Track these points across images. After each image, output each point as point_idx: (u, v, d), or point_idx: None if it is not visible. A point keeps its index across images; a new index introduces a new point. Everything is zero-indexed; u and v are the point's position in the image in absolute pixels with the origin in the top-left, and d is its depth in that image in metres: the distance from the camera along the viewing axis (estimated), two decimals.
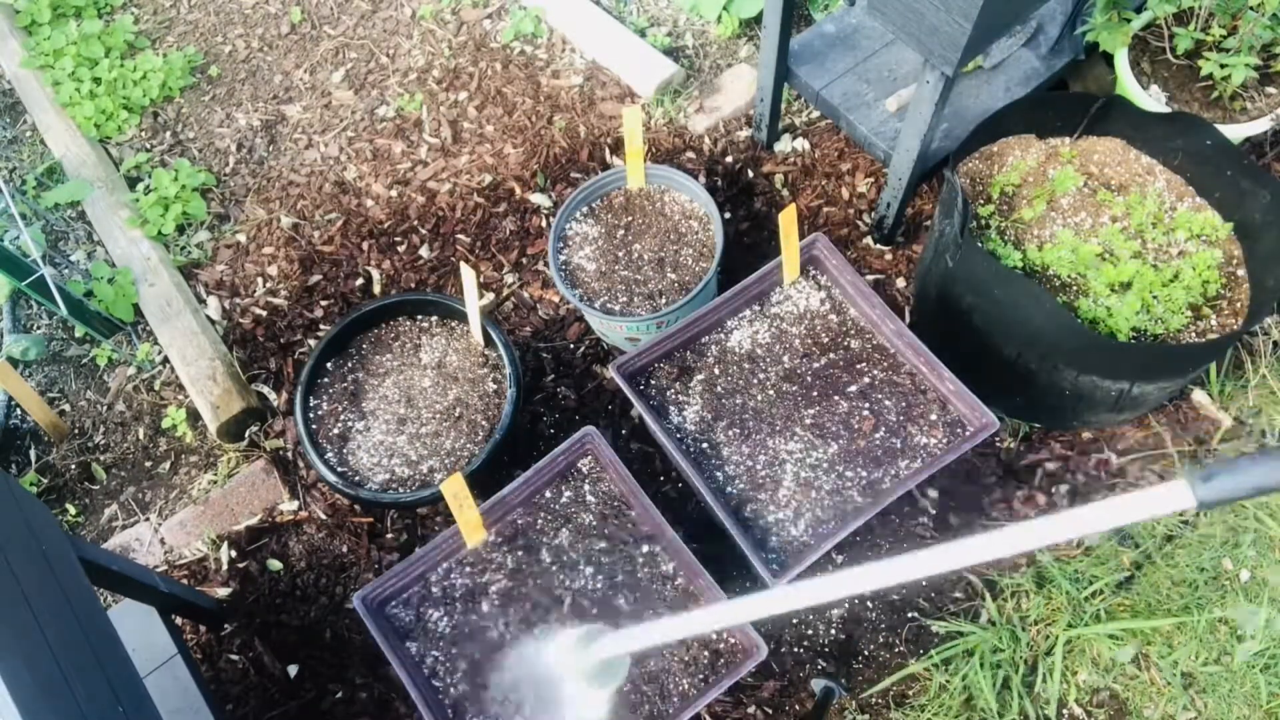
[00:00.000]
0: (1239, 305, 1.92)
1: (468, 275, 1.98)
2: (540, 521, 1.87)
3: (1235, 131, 2.18)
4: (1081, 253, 1.94)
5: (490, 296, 2.48)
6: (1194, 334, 1.90)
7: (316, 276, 2.56)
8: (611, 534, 1.84)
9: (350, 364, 2.15)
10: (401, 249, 2.58)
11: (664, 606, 1.76)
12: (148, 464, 2.38)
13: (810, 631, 2.05)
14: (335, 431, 2.07)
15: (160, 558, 2.23)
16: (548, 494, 1.89)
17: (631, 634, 1.39)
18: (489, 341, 2.12)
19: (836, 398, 1.91)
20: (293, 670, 2.08)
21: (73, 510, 2.33)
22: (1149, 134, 2.06)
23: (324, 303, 2.52)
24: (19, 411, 2.45)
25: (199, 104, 2.93)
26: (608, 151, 2.66)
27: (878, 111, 2.37)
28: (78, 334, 2.55)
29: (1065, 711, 1.94)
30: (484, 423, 2.04)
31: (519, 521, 1.87)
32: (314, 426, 2.07)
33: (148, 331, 2.51)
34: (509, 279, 2.50)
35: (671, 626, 1.33)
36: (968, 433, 1.84)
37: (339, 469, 2.02)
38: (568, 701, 1.57)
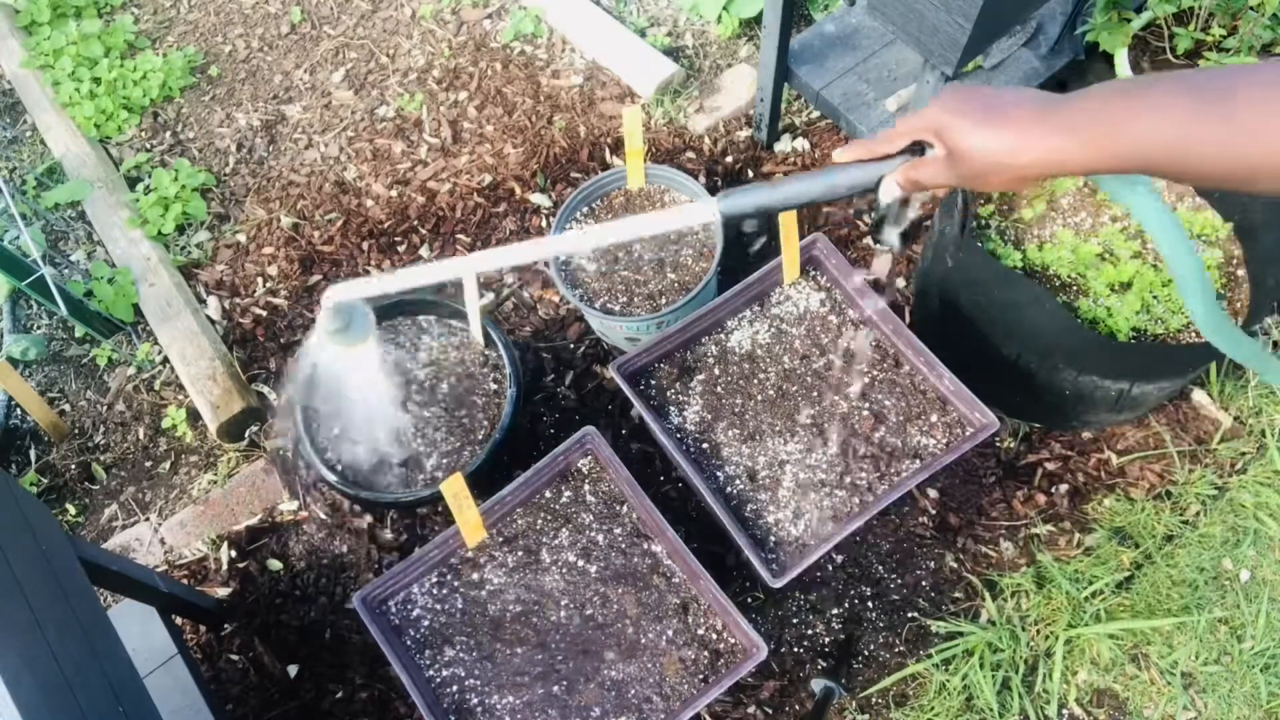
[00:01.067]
0: (1239, 305, 1.92)
1: (469, 275, 1.98)
2: (540, 522, 1.87)
3: None
4: (1081, 253, 1.94)
5: (490, 296, 2.48)
6: (1194, 334, 1.90)
7: (316, 276, 2.56)
8: (611, 534, 1.84)
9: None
10: (401, 249, 2.58)
11: (663, 607, 1.76)
12: (148, 464, 2.38)
13: (810, 631, 2.05)
14: (335, 431, 2.07)
15: (160, 558, 2.23)
16: (547, 494, 1.90)
17: (361, 283, 1.35)
18: (489, 341, 2.12)
19: (836, 398, 1.91)
20: (293, 670, 2.08)
21: (73, 510, 2.33)
22: None
23: None
24: (19, 411, 2.45)
25: (199, 104, 2.93)
26: (608, 151, 2.66)
27: (878, 111, 2.37)
28: (78, 334, 2.55)
29: (1065, 711, 1.94)
30: (484, 423, 2.04)
31: (519, 521, 1.87)
32: (314, 426, 2.07)
33: (148, 331, 2.51)
34: (509, 279, 2.50)
35: (394, 279, 1.30)
36: (968, 433, 1.84)
37: (339, 469, 2.02)
38: (348, 376, 1.58)
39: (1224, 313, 1.05)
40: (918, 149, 1.02)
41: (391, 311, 2.18)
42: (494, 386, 2.09)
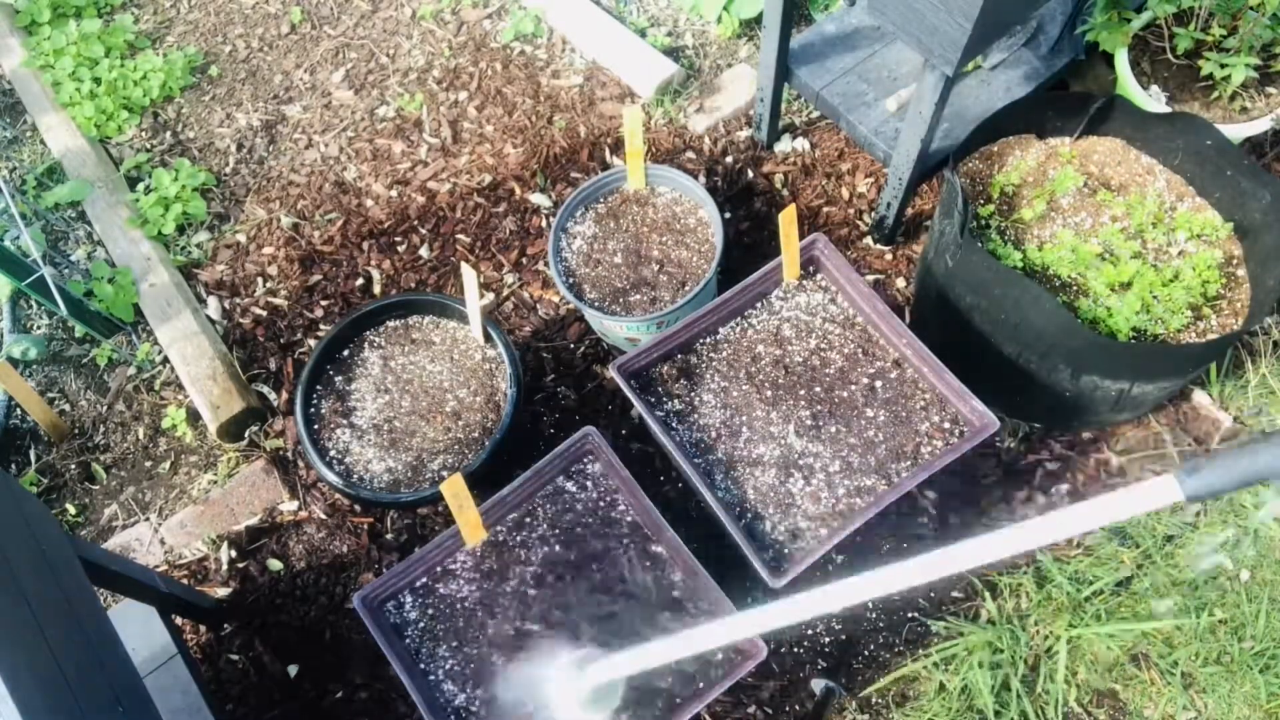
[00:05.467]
0: (1239, 305, 1.92)
1: (469, 275, 1.98)
2: (540, 521, 1.87)
3: (1235, 131, 2.18)
4: (1081, 253, 1.94)
5: (490, 296, 2.48)
6: (1194, 334, 1.90)
7: (316, 276, 2.56)
8: (611, 534, 1.84)
9: (350, 364, 2.15)
10: (401, 249, 2.58)
11: (663, 608, 1.76)
12: (148, 464, 2.38)
13: (810, 631, 2.05)
14: (335, 431, 2.07)
15: (160, 558, 2.23)
16: (548, 494, 1.90)
17: (625, 658, 1.36)
18: (489, 341, 2.12)
19: (836, 398, 1.91)
20: (293, 670, 2.08)
21: (73, 510, 2.33)
22: (1149, 134, 2.06)
23: (324, 303, 2.52)
24: (19, 411, 2.45)
25: (199, 104, 2.93)
26: (608, 151, 2.66)
27: (878, 111, 2.37)
28: (78, 334, 2.55)
29: (1065, 711, 1.94)
30: (484, 423, 2.04)
31: (519, 521, 1.87)
32: (314, 426, 2.07)
33: (148, 331, 2.51)
34: (509, 279, 2.50)
35: (666, 648, 1.31)
36: (968, 433, 1.84)
37: (339, 469, 2.02)
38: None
39: None
40: None
41: (392, 311, 2.18)
42: (494, 386, 2.09)
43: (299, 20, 3.06)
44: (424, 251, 2.56)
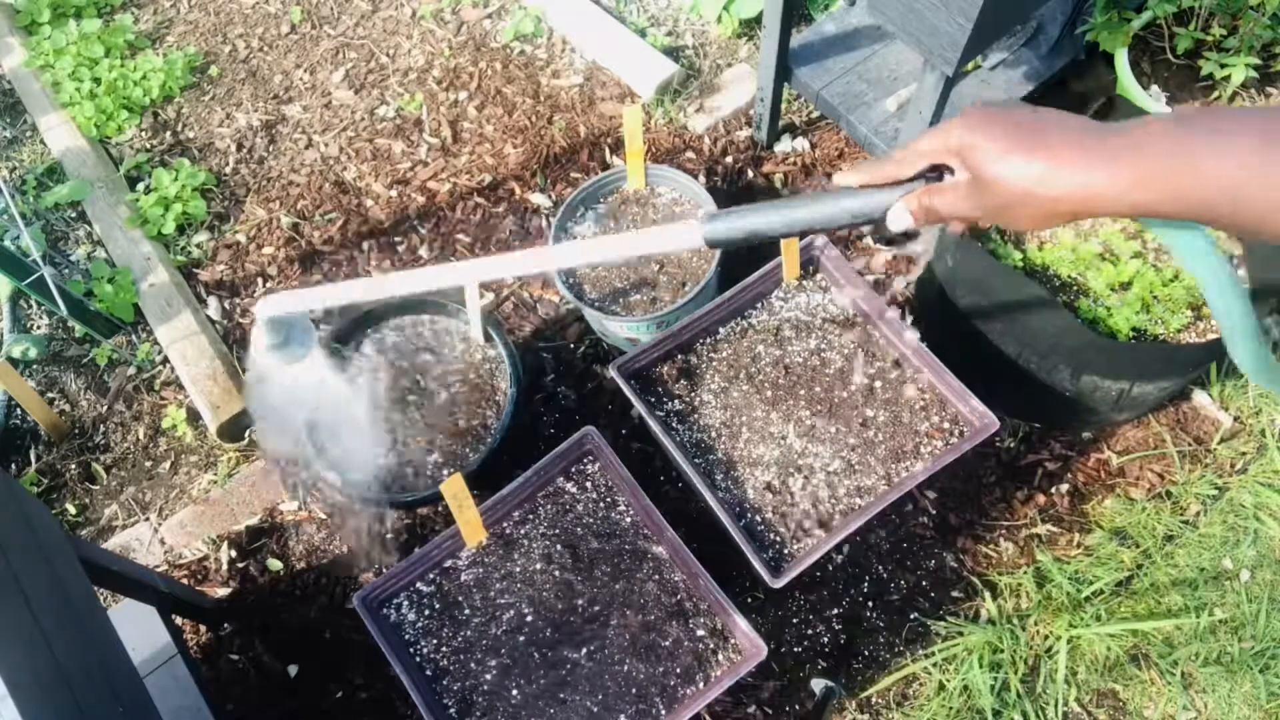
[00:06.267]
0: None
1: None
2: (540, 522, 1.87)
3: None
4: (1081, 253, 1.94)
5: (490, 296, 2.48)
6: (1194, 334, 1.90)
7: (316, 276, 2.56)
8: (611, 534, 1.84)
9: (350, 364, 2.15)
10: (401, 249, 2.58)
11: (664, 607, 1.76)
12: (148, 464, 2.38)
13: (810, 631, 2.05)
14: (335, 431, 2.07)
15: (160, 558, 2.23)
16: (548, 494, 1.90)
17: (294, 294, 1.28)
18: (489, 341, 2.12)
19: (836, 398, 1.91)
20: (293, 670, 2.08)
21: (73, 510, 2.33)
22: None
23: None
24: (19, 411, 2.45)
25: (199, 104, 2.93)
26: (608, 151, 2.66)
27: (878, 111, 2.37)
28: (78, 334, 2.55)
29: (1065, 711, 1.94)
30: (484, 422, 2.05)
31: (519, 521, 1.87)
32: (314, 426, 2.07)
33: (148, 331, 2.51)
34: (509, 279, 2.50)
35: (343, 291, 1.22)
36: (968, 433, 1.84)
37: (339, 468, 2.02)
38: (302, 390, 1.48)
39: (1272, 358, 0.97)
40: (935, 174, 0.89)
41: (392, 311, 2.18)
42: (494, 386, 2.09)
43: (299, 20, 3.06)
44: (424, 251, 2.56)
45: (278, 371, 1.42)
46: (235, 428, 2.33)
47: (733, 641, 1.74)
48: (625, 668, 1.71)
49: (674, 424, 1.91)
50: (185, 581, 2.19)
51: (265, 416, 1.63)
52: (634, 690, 1.70)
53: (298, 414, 1.66)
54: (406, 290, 1.19)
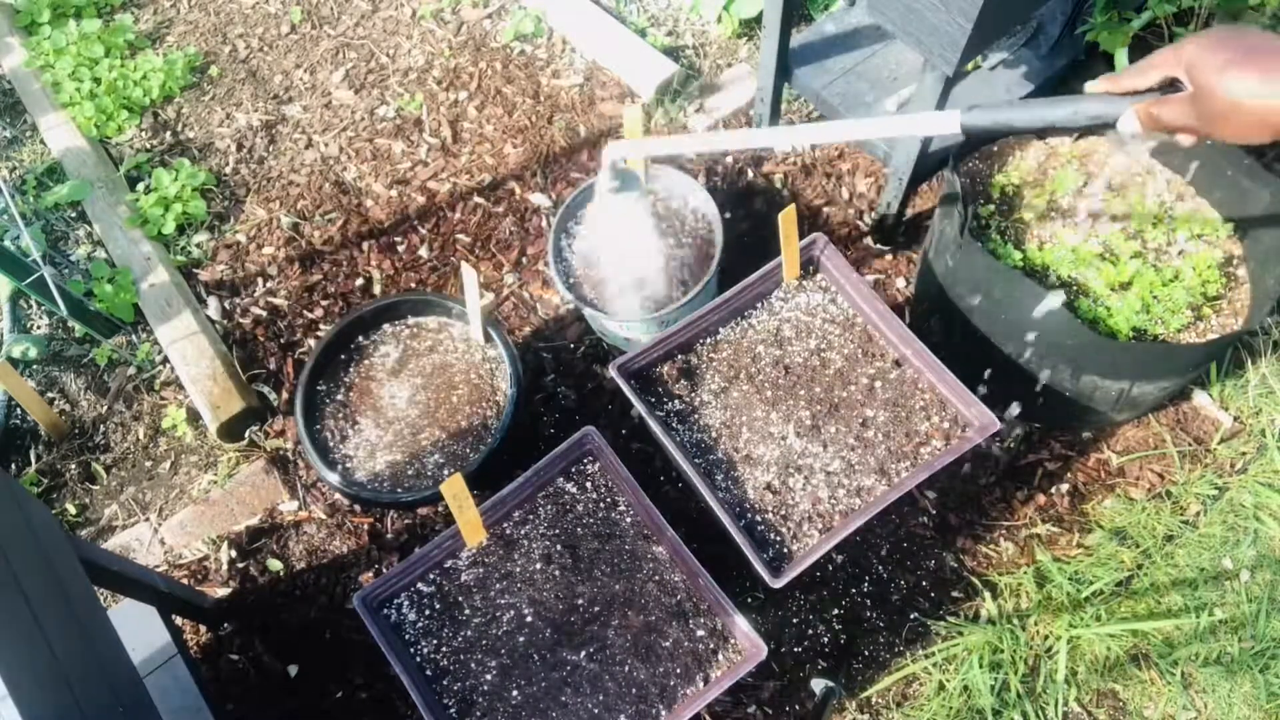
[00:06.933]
0: (1239, 305, 1.92)
1: (469, 275, 1.98)
2: (540, 521, 1.87)
3: None
4: (1081, 253, 1.94)
5: (490, 296, 2.48)
6: (1194, 334, 1.90)
7: (316, 276, 2.56)
8: (611, 534, 1.84)
9: (350, 364, 2.15)
10: (401, 249, 2.58)
11: (664, 607, 1.76)
12: (148, 464, 2.38)
13: (810, 631, 2.05)
14: (335, 431, 2.07)
15: (160, 558, 2.23)
16: (548, 494, 1.89)
17: (642, 143, 1.78)
18: (489, 341, 2.12)
19: (836, 398, 1.91)
20: (293, 670, 2.08)
21: (73, 510, 2.33)
22: None
23: (324, 303, 2.52)
24: (19, 411, 2.45)
25: (199, 104, 2.93)
26: None
27: (878, 111, 2.37)
28: (78, 334, 2.55)
29: (1065, 711, 1.94)
30: (484, 422, 2.04)
31: (519, 521, 1.87)
32: (314, 426, 2.07)
33: (148, 331, 2.51)
34: (509, 279, 2.50)
35: (685, 141, 1.77)
36: (968, 433, 1.84)
37: (339, 469, 2.02)
38: (619, 219, 1.97)
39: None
40: (1168, 86, 1.00)
41: (392, 311, 2.18)
42: (494, 386, 2.09)
43: (299, 20, 3.06)
44: (424, 251, 2.56)
45: (613, 205, 1.87)
46: (235, 428, 2.33)
47: (733, 641, 1.74)
48: (625, 668, 1.71)
49: (674, 424, 1.91)
50: (185, 581, 2.19)
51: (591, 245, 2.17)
52: (634, 690, 1.70)
53: (615, 247, 2.11)
54: (756, 144, 1.65)
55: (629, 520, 1.86)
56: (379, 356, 2.16)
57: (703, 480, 1.79)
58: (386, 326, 2.19)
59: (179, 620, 2.10)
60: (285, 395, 2.39)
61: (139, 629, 1.93)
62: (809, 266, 2.05)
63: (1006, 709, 1.92)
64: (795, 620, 2.06)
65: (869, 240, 2.47)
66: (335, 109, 2.86)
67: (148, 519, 2.30)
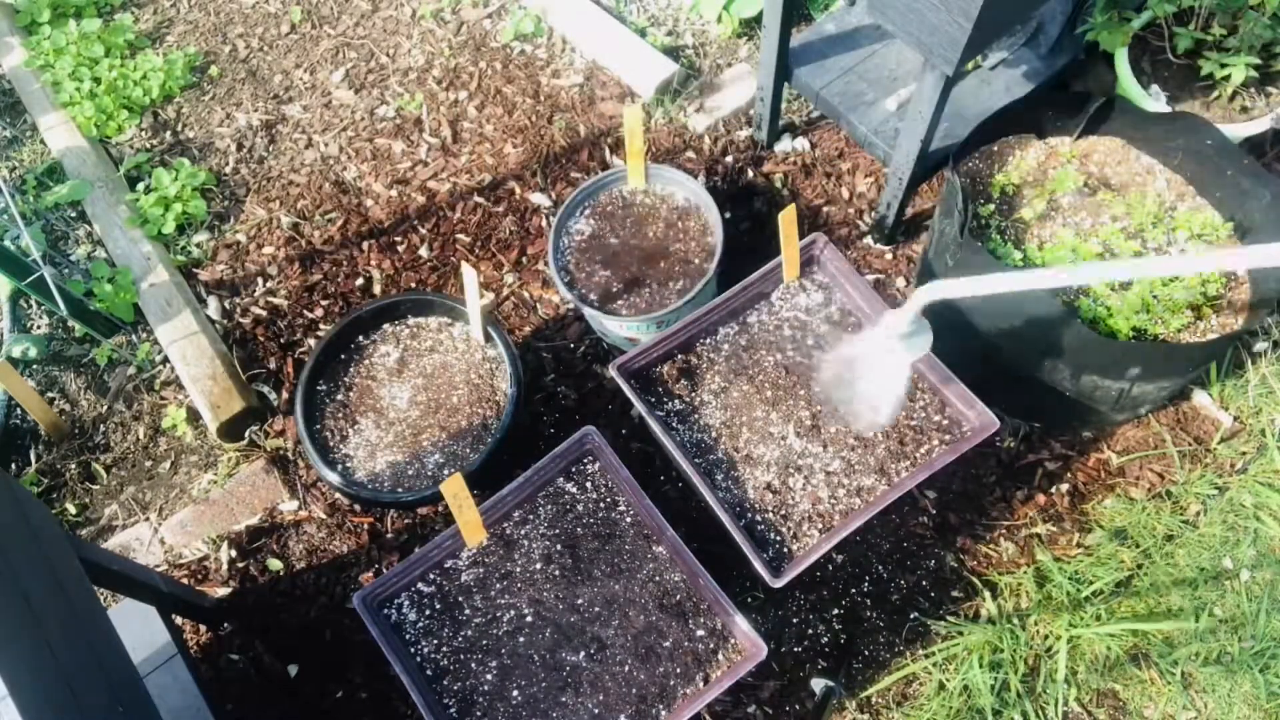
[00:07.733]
0: (1239, 305, 1.92)
1: (469, 275, 1.98)
2: (540, 521, 1.87)
3: (1235, 131, 2.18)
4: (1081, 252, 1.94)
5: (490, 296, 2.48)
6: (1194, 334, 1.90)
7: (316, 276, 2.56)
8: (611, 534, 1.84)
9: (350, 364, 2.15)
10: (401, 249, 2.58)
11: (664, 607, 1.76)
12: (148, 464, 2.38)
13: (810, 631, 2.05)
14: (335, 431, 2.07)
15: (160, 558, 2.23)
16: (548, 494, 1.89)
17: (959, 283, 1.42)
18: (489, 341, 2.12)
19: (836, 398, 1.90)
20: (293, 670, 2.08)
21: (73, 510, 2.33)
22: (1149, 134, 2.06)
23: (324, 302, 2.52)
24: (19, 411, 2.45)
25: (199, 104, 2.93)
26: (608, 151, 2.66)
27: (878, 111, 2.37)
28: (78, 334, 2.55)
29: (1065, 711, 1.94)
30: (484, 422, 2.04)
31: (519, 521, 1.87)
32: (314, 426, 2.07)
33: (148, 331, 2.51)
34: (509, 279, 2.50)
35: (1008, 280, 1.37)
36: (968, 433, 1.84)
37: (339, 468, 2.02)
38: (877, 368, 1.65)
39: None
40: None
41: (392, 311, 2.18)
42: (494, 386, 2.09)
43: (299, 20, 3.06)
44: (424, 251, 2.56)
45: (887, 345, 1.58)
46: (235, 427, 2.33)
47: (732, 641, 1.74)
48: (625, 667, 1.71)
49: (674, 424, 1.91)
50: (185, 581, 2.19)
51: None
52: (634, 690, 1.70)
53: (850, 372, 1.81)
54: (1076, 282, 1.39)
55: (629, 520, 1.86)
56: (379, 356, 2.16)
57: (703, 480, 1.79)
58: (386, 326, 2.19)
59: (179, 620, 2.10)
60: (285, 395, 2.39)
61: (139, 629, 1.93)
62: (809, 266, 2.05)
63: (1006, 709, 1.92)
64: (795, 620, 2.06)
65: (869, 240, 2.47)
66: (335, 109, 2.86)
67: (148, 519, 2.30)
